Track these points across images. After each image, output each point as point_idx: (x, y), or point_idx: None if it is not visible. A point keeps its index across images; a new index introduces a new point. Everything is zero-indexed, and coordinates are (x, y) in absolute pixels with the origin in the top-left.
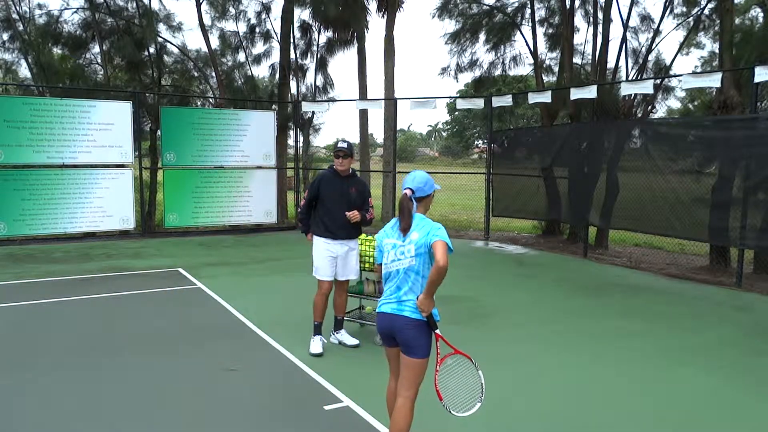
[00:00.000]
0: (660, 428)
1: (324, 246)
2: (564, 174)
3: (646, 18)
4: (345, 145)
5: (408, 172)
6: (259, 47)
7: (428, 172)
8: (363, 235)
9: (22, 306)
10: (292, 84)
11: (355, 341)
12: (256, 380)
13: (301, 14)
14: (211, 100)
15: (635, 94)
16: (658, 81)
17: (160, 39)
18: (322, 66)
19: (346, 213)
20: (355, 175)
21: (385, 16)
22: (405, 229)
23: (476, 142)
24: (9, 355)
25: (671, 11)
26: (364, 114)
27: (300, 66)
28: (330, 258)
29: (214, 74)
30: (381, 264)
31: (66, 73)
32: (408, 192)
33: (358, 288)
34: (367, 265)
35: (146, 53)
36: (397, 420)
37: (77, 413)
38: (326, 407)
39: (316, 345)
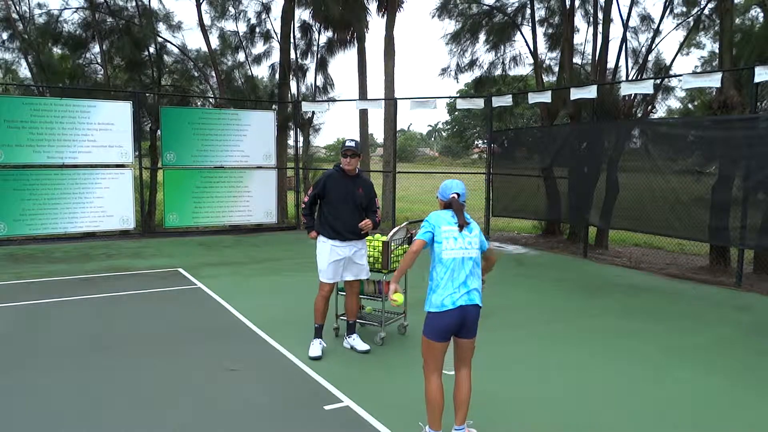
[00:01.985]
0: (660, 428)
1: (332, 249)
2: (564, 174)
3: (646, 18)
4: (353, 144)
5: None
6: (259, 47)
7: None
8: (369, 237)
9: (22, 306)
10: (292, 84)
11: (366, 347)
12: (256, 380)
13: (302, 14)
14: (211, 100)
15: (635, 94)
16: (658, 81)
17: (159, 39)
18: (322, 66)
19: (359, 225)
20: (361, 174)
21: (385, 16)
22: (462, 225)
23: (476, 142)
24: (9, 355)
25: (671, 11)
26: (364, 114)
27: (300, 66)
28: (337, 261)
29: (214, 74)
30: (422, 240)
31: (66, 73)
32: (456, 195)
33: (359, 288)
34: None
35: (146, 53)
36: (464, 391)
37: (77, 413)
38: (326, 407)
39: (315, 348)
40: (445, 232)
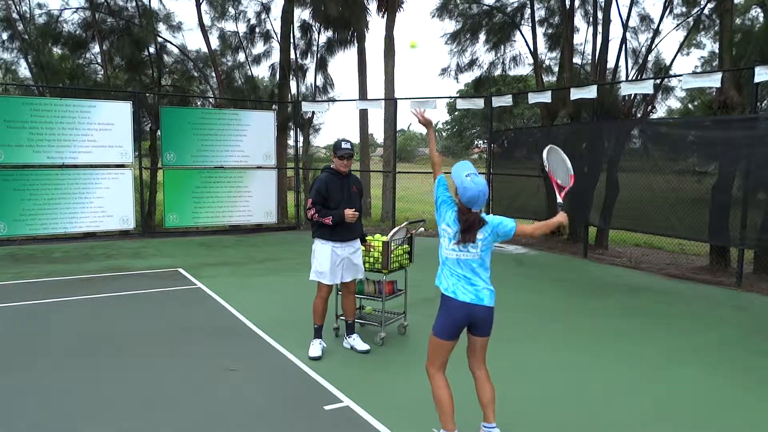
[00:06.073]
0: (660, 428)
1: (332, 251)
2: None
3: (645, 18)
4: (349, 145)
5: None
6: (259, 47)
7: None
8: (369, 237)
9: (22, 306)
10: (292, 84)
11: (366, 347)
12: (256, 380)
13: (301, 14)
14: (211, 100)
15: (635, 94)
16: (658, 81)
17: (160, 39)
18: (322, 66)
19: (346, 211)
20: (350, 173)
21: (385, 16)
22: (464, 242)
23: (476, 142)
24: (9, 355)
25: (671, 11)
26: (364, 114)
27: (300, 66)
28: (337, 262)
29: (214, 74)
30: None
31: (66, 73)
32: (477, 211)
33: (358, 288)
34: (367, 265)
35: (146, 53)
36: (489, 390)
37: (77, 413)
38: (326, 407)
39: (315, 349)
40: (443, 230)
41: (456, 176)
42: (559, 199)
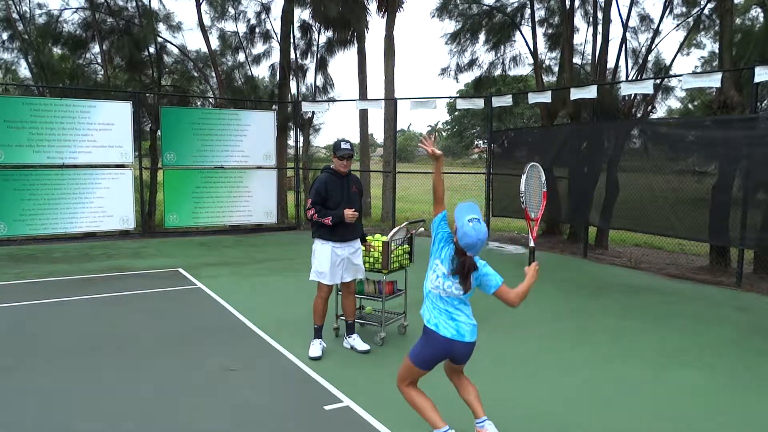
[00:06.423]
0: (660, 428)
1: (332, 251)
2: (564, 174)
3: (645, 18)
4: (349, 146)
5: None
6: (259, 47)
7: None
8: (369, 237)
9: (22, 306)
10: (292, 84)
11: (366, 347)
12: (256, 380)
13: (301, 14)
14: (211, 100)
15: (635, 94)
16: (658, 81)
17: (160, 39)
18: (322, 66)
19: (346, 211)
20: (350, 172)
21: (385, 16)
22: (467, 291)
23: (476, 142)
24: (9, 355)
25: (671, 11)
26: (364, 114)
27: (300, 66)
28: (337, 262)
29: (214, 74)
30: (441, 220)
31: (66, 73)
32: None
33: (359, 288)
34: (367, 265)
35: (146, 53)
36: (472, 388)
37: (77, 413)
38: (326, 407)
39: (315, 349)
40: (435, 265)
41: (458, 218)
42: (532, 242)
